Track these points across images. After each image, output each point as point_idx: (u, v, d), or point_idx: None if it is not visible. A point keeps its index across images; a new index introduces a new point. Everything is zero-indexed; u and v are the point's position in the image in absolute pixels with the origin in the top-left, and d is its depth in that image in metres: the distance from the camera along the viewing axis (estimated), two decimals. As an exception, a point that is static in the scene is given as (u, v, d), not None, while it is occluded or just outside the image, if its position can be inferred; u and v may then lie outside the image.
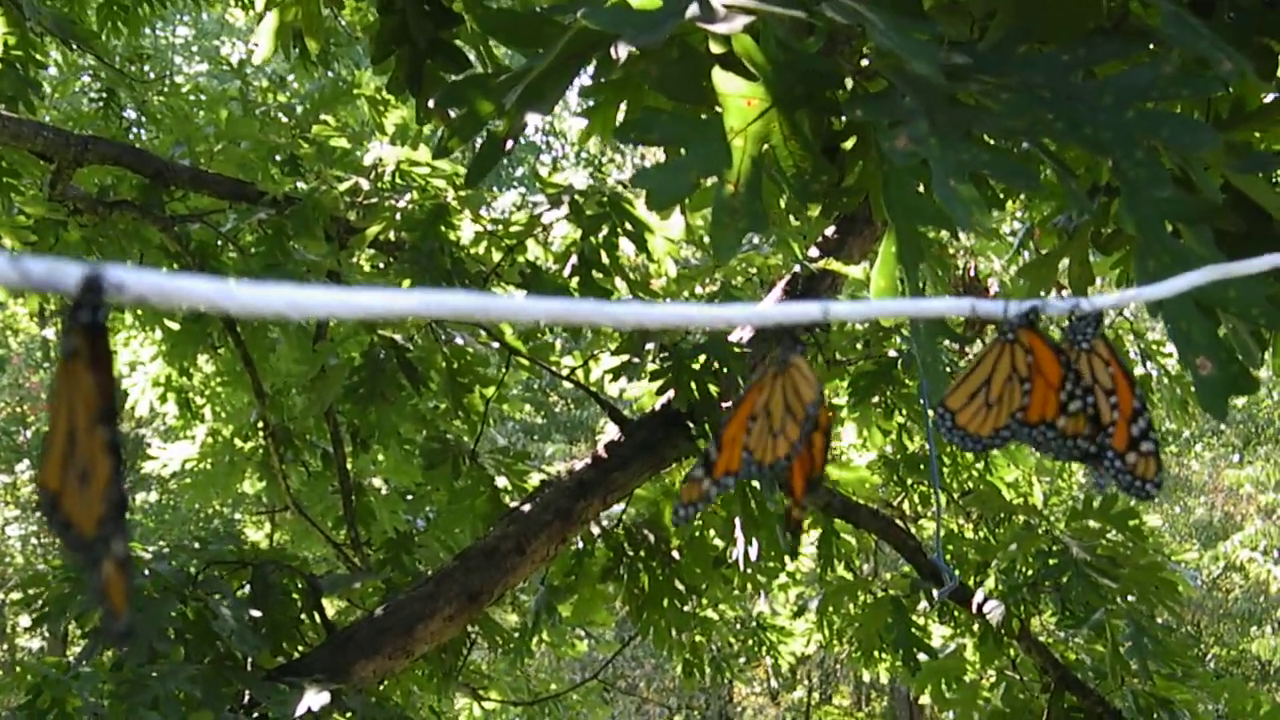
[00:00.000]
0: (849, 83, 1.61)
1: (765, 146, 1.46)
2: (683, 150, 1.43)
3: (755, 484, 3.77)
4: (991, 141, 1.51)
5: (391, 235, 4.23)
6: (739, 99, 1.45)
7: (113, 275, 0.52)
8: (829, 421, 1.04)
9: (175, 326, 4.94)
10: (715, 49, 1.54)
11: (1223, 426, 15.21)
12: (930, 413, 1.18)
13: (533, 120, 1.67)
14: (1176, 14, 1.33)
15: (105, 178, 4.56)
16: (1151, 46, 1.46)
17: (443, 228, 3.99)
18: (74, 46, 5.01)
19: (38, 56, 4.57)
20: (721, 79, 1.45)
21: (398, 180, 4.23)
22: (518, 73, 1.59)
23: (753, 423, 1.05)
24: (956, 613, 4.90)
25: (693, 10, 1.33)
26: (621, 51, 1.36)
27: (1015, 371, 1.10)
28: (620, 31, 1.31)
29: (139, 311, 5.01)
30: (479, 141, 1.79)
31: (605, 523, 4.32)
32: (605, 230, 3.80)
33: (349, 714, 3.14)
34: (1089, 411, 1.11)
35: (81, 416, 0.55)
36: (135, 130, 5.98)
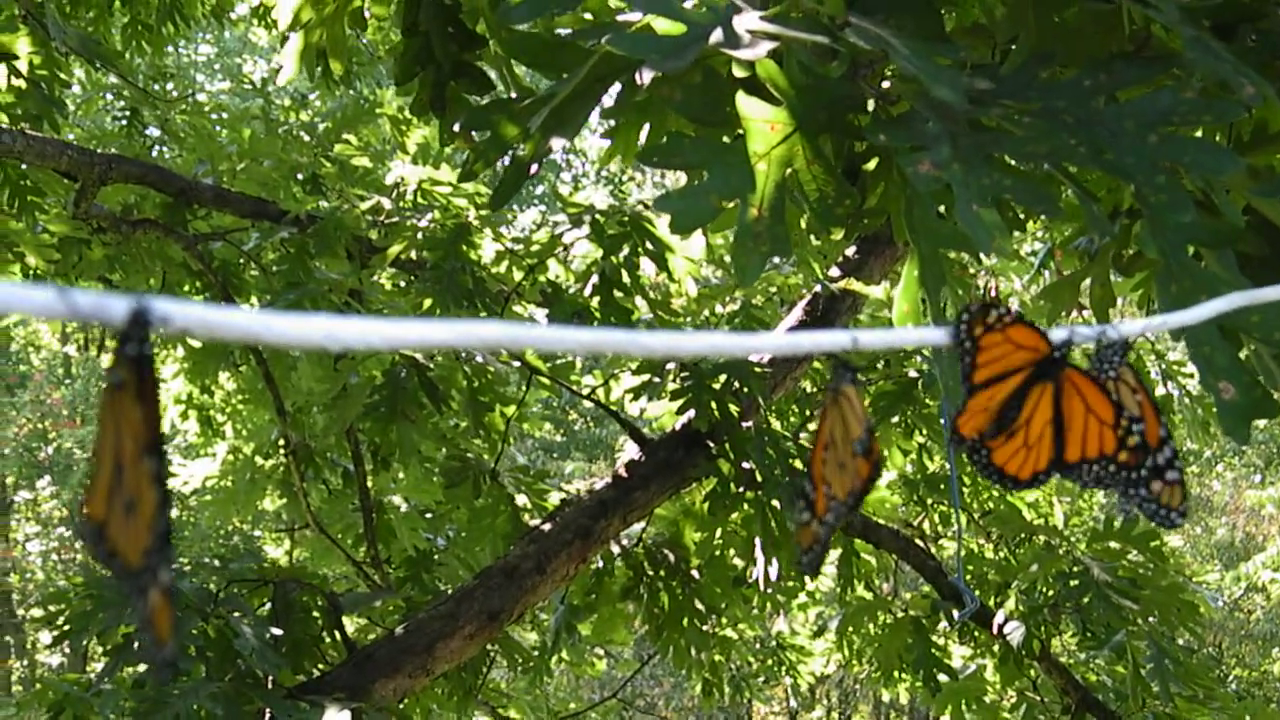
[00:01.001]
0: (871, 106, 1.62)
1: (788, 170, 1.47)
2: (705, 174, 1.44)
3: (775, 503, 3.77)
4: (1014, 164, 1.51)
5: (413, 254, 4.25)
6: (762, 123, 1.45)
7: (159, 308, 0.53)
8: (878, 456, 1.04)
9: (197, 344, 4.96)
10: (739, 73, 1.54)
11: (1244, 447, 15.12)
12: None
13: (556, 144, 1.68)
14: (1198, 38, 1.33)
15: (129, 196, 4.59)
16: (1174, 71, 1.46)
17: (464, 247, 4.00)
18: (98, 66, 5.05)
19: (62, 76, 4.60)
20: (745, 103, 1.45)
21: (419, 199, 4.25)
22: (542, 97, 1.60)
23: (827, 454, 1.06)
24: (977, 633, 4.88)
25: (717, 36, 1.33)
26: (645, 76, 1.37)
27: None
28: (644, 57, 1.32)
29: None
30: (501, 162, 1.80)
31: (625, 542, 4.31)
32: (626, 249, 3.80)
33: (369, 732, 3.14)
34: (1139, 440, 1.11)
35: (129, 448, 0.56)
36: (158, 149, 6.01)
